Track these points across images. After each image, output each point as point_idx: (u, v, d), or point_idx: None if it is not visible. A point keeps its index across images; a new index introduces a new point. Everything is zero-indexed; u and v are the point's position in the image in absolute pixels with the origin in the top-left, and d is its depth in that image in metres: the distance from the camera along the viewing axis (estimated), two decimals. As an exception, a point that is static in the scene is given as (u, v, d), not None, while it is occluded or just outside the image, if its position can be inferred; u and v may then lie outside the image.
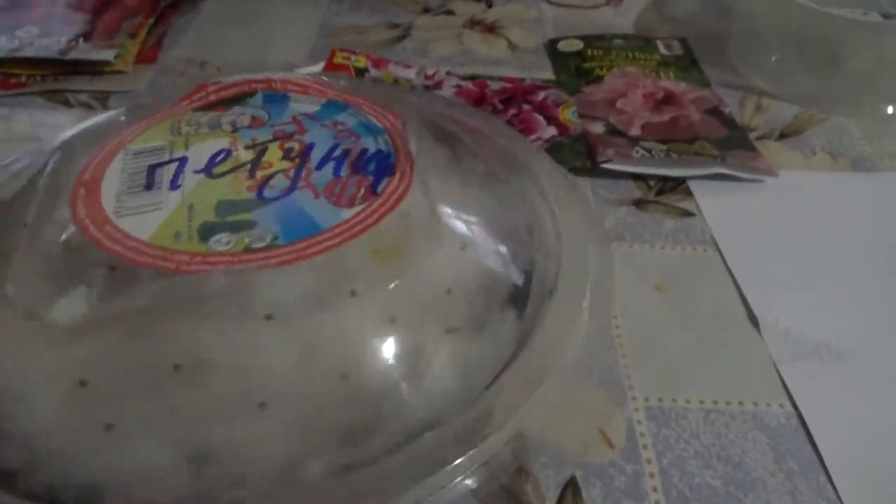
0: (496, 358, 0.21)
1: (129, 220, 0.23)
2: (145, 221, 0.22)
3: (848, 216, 0.35)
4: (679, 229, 0.34)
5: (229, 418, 0.19)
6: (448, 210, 0.23)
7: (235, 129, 0.27)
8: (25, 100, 0.42)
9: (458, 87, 0.42)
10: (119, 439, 0.18)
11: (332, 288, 0.20)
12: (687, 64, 0.46)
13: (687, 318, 0.29)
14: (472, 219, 0.24)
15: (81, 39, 0.45)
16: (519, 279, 0.23)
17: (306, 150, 0.25)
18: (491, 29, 0.50)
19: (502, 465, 0.22)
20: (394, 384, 0.20)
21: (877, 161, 0.38)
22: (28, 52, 0.43)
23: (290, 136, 0.26)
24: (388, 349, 0.20)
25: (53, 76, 0.43)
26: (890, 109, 0.42)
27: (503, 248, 0.23)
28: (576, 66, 0.45)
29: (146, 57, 0.46)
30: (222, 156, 0.25)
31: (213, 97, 0.29)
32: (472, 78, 0.43)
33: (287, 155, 0.25)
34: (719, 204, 0.35)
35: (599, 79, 0.44)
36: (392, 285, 0.21)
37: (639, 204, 0.35)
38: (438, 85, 0.42)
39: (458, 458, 0.18)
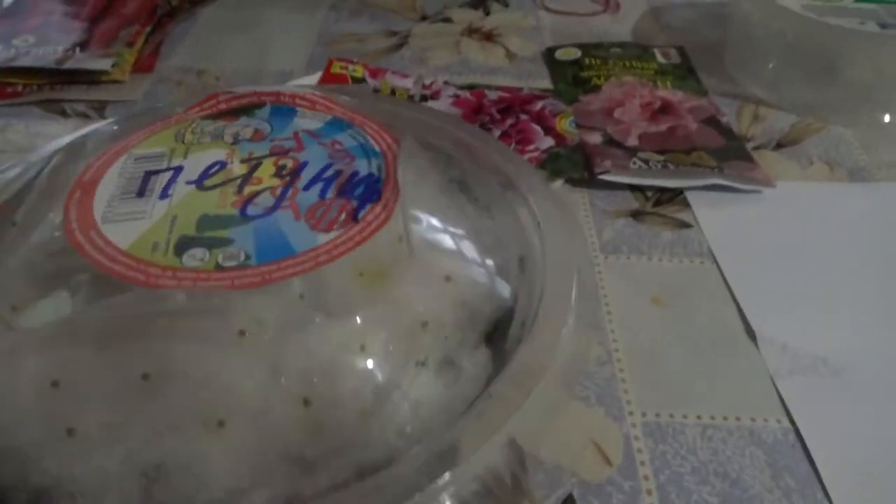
0: (464, 396, 0.20)
1: (113, 227, 0.23)
2: (128, 229, 0.23)
3: (845, 227, 0.35)
4: (676, 241, 0.34)
5: (187, 433, 0.18)
6: (431, 241, 0.23)
7: (236, 141, 0.27)
8: (21, 109, 0.42)
9: (456, 96, 0.42)
10: (78, 445, 0.18)
11: (302, 311, 0.20)
12: (684, 73, 0.46)
13: (684, 331, 0.29)
14: (459, 251, 0.23)
15: (78, 49, 0.45)
16: (499, 316, 0.23)
17: (298, 169, 0.25)
18: (489, 37, 0.50)
19: (498, 483, 0.22)
20: (355, 415, 0.19)
21: (874, 171, 0.38)
22: (24, 62, 0.43)
23: (286, 153, 0.26)
24: (354, 378, 0.20)
25: (50, 85, 0.43)
26: (887, 118, 0.42)
27: (488, 283, 0.23)
28: (573, 75, 0.45)
29: (143, 66, 0.46)
30: (216, 168, 0.25)
31: (222, 106, 0.29)
32: (470, 87, 0.43)
33: (279, 172, 0.25)
34: (717, 215, 0.35)
35: (597, 88, 0.44)
36: (365, 313, 0.21)
37: (636, 215, 0.35)
38: (436, 94, 0.42)
39: (409, 499, 0.18)
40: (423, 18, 0.53)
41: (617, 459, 0.25)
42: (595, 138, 0.39)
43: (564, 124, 0.40)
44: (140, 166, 0.26)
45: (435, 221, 0.24)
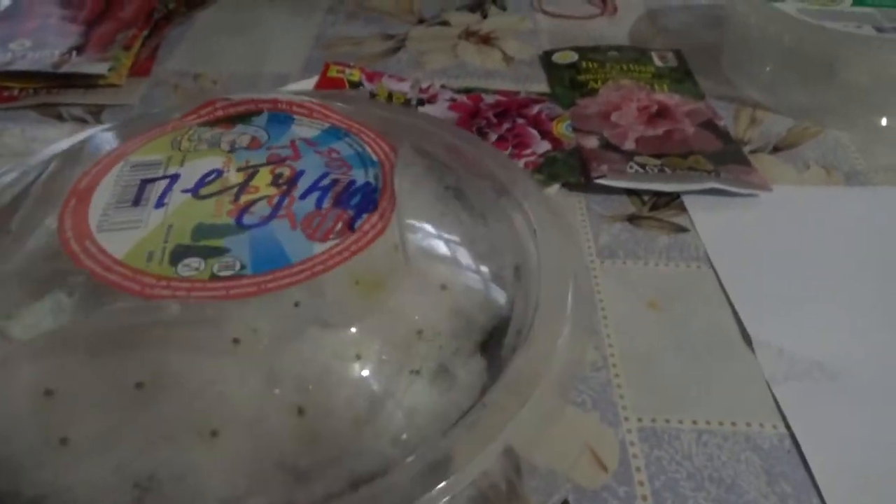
0: (459, 405, 0.20)
1: (109, 236, 0.23)
2: (124, 239, 0.22)
3: (842, 231, 0.35)
4: (673, 245, 0.34)
5: (181, 442, 0.18)
6: (427, 250, 0.23)
7: (233, 149, 0.27)
8: (18, 114, 0.42)
9: (453, 100, 0.42)
10: (71, 454, 0.18)
11: (297, 320, 0.20)
12: (681, 76, 0.46)
13: (680, 336, 0.29)
14: (455, 259, 0.23)
15: (75, 52, 0.45)
16: (495, 324, 0.23)
17: (295, 178, 0.25)
18: (486, 40, 0.50)
19: (493, 489, 0.22)
20: (350, 424, 0.19)
21: (870, 175, 0.38)
22: (21, 66, 0.43)
23: (282, 161, 0.26)
24: (348, 387, 0.20)
25: (46, 89, 0.43)
26: (884, 122, 0.42)
27: (483, 292, 0.23)
28: (570, 79, 0.45)
29: (140, 69, 0.46)
30: (213, 176, 0.25)
31: (219, 113, 0.29)
32: (467, 91, 0.43)
33: (275, 181, 0.25)
34: (713, 219, 0.35)
35: (594, 91, 0.44)
36: (360, 322, 0.21)
37: (633, 220, 0.35)
38: (433, 98, 0.42)
39: None
40: (420, 22, 0.53)
41: (612, 465, 0.25)
42: (592, 142, 0.39)
43: (561, 128, 0.40)
44: (136, 174, 0.26)
45: (431, 230, 0.24)
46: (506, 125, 0.40)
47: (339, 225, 0.23)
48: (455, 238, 0.24)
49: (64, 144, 0.28)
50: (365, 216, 0.23)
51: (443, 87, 0.44)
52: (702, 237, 0.34)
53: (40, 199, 0.24)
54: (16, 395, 0.19)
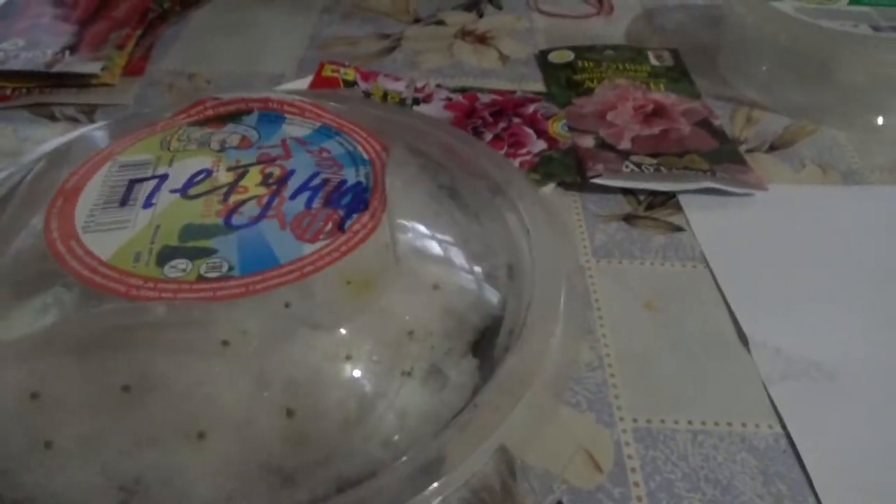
0: (450, 406, 0.20)
1: (94, 237, 0.22)
2: (109, 239, 0.22)
3: (838, 231, 0.34)
4: (669, 245, 0.34)
5: (167, 445, 0.18)
6: (419, 249, 0.23)
7: (223, 149, 0.27)
8: (10, 113, 0.41)
9: (448, 99, 0.42)
10: (55, 458, 0.18)
11: (287, 321, 0.20)
12: (677, 75, 0.46)
13: (676, 336, 0.29)
14: (447, 259, 0.23)
15: (68, 52, 0.44)
16: (487, 324, 0.22)
17: (285, 177, 0.25)
18: (482, 39, 0.50)
19: (487, 490, 0.22)
20: (340, 426, 0.19)
21: (867, 174, 0.38)
22: (13, 65, 0.43)
23: (273, 161, 0.26)
24: (339, 388, 0.20)
25: (39, 89, 0.43)
26: (880, 121, 0.41)
27: (476, 292, 0.23)
28: (566, 78, 0.45)
29: (134, 69, 0.46)
30: (202, 176, 0.25)
31: (209, 112, 0.29)
32: (463, 90, 0.43)
33: (265, 180, 0.25)
34: (709, 218, 0.35)
35: (590, 91, 0.44)
36: (351, 323, 0.20)
37: (628, 219, 0.35)
38: (428, 98, 0.42)
39: None
40: (416, 21, 0.53)
41: (607, 466, 0.24)
42: (588, 142, 0.39)
43: (557, 127, 0.40)
44: (124, 174, 0.25)
45: (423, 229, 0.24)
46: (501, 124, 0.40)
47: (329, 225, 0.23)
48: (448, 238, 0.24)
49: (51, 145, 0.28)
50: (355, 216, 0.23)
51: (438, 86, 0.43)
52: (698, 237, 0.34)
53: (26, 199, 0.24)
54: (0, 397, 0.19)
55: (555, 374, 0.20)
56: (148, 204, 0.24)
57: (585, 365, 0.28)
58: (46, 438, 0.18)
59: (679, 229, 0.34)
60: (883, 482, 0.24)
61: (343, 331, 0.20)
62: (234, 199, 0.24)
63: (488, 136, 0.39)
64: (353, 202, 0.24)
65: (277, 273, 0.21)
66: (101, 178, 0.25)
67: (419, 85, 0.43)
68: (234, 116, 0.29)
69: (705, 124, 0.41)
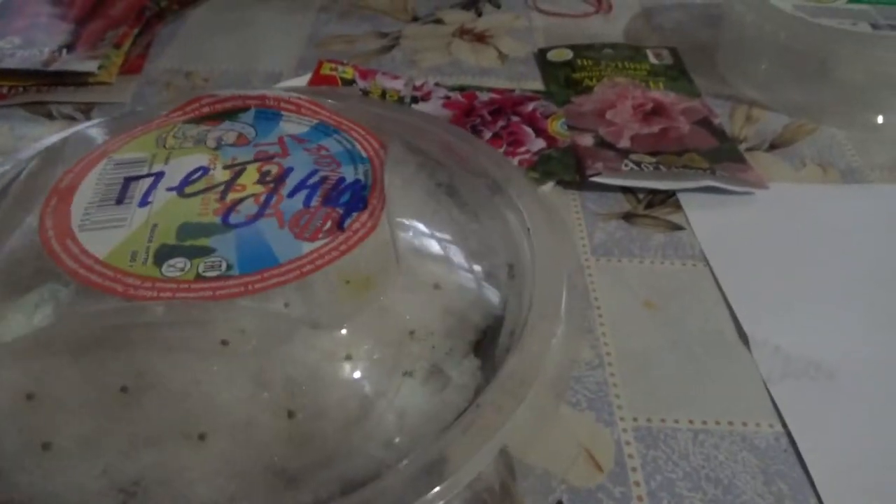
0: (452, 406, 0.20)
1: (91, 236, 0.22)
2: (106, 238, 0.22)
3: (838, 229, 0.34)
4: (668, 243, 0.34)
5: (167, 446, 0.18)
6: (419, 248, 0.23)
7: (219, 146, 0.27)
8: (7, 112, 0.41)
9: (447, 98, 0.42)
10: (54, 460, 0.18)
11: (286, 321, 0.20)
12: (677, 74, 0.46)
13: (676, 335, 0.29)
14: (447, 258, 0.23)
15: (65, 50, 0.44)
16: (488, 323, 0.22)
17: (283, 175, 0.25)
18: (480, 38, 0.50)
19: (487, 491, 0.22)
20: (341, 427, 0.19)
21: (866, 172, 0.38)
22: (10, 64, 0.43)
23: (270, 159, 0.26)
24: (339, 389, 0.19)
25: (36, 87, 0.43)
26: (880, 120, 0.41)
27: (476, 291, 0.23)
28: (565, 77, 0.45)
29: (131, 67, 0.45)
30: (198, 174, 0.25)
31: (205, 109, 0.29)
32: (461, 89, 0.43)
33: (263, 178, 0.24)
34: (709, 217, 0.35)
35: (589, 89, 0.43)
36: (351, 322, 0.20)
37: (628, 218, 0.35)
38: (427, 96, 0.42)
39: None
40: (415, 20, 0.53)
41: (608, 465, 0.24)
42: (587, 140, 0.39)
43: (556, 126, 0.40)
44: (119, 172, 0.25)
45: (422, 228, 0.23)
46: (500, 123, 0.40)
47: (328, 224, 0.23)
48: (447, 236, 0.24)
49: (45, 143, 0.28)
50: (354, 214, 0.23)
51: (437, 84, 0.43)
52: (697, 235, 0.34)
53: (20, 197, 0.24)
54: (2, 397, 0.19)
55: (556, 375, 0.20)
56: (144, 202, 0.24)
57: (585, 364, 0.28)
58: (44, 440, 0.18)
59: (679, 228, 0.34)
60: (884, 481, 0.24)
61: (343, 331, 0.20)
62: (231, 197, 0.24)
63: (487, 135, 0.39)
64: (351, 200, 0.24)
65: (277, 272, 0.21)
66: (95, 176, 0.25)
67: (418, 83, 0.43)
68: (231, 114, 0.29)
69: (705, 123, 0.41)
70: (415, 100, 0.42)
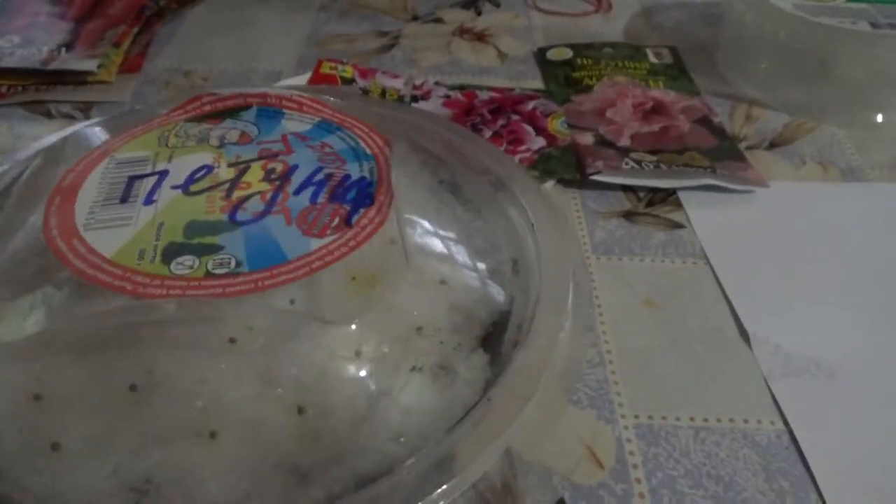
0: (461, 402, 0.20)
1: (96, 234, 0.22)
2: (112, 237, 0.22)
3: (838, 227, 0.34)
4: (669, 242, 0.34)
5: (178, 445, 0.18)
6: (425, 245, 0.23)
7: (222, 144, 0.27)
8: (6, 111, 0.41)
9: (447, 97, 0.42)
10: (63, 461, 0.18)
11: (294, 318, 0.20)
12: (676, 73, 0.46)
13: (677, 333, 0.29)
14: (453, 255, 0.23)
15: (64, 49, 0.44)
16: (495, 319, 0.22)
17: (288, 173, 0.25)
18: (480, 37, 0.50)
19: (490, 488, 0.22)
20: (351, 423, 0.19)
21: (867, 171, 0.38)
22: (9, 63, 0.43)
23: (274, 156, 0.26)
24: (348, 385, 0.19)
25: (35, 86, 0.42)
26: (880, 118, 0.41)
27: (482, 287, 0.23)
28: (565, 76, 0.45)
29: (130, 66, 0.45)
30: (203, 172, 0.25)
31: (207, 108, 0.29)
32: (461, 88, 0.43)
33: (268, 176, 0.24)
34: (709, 215, 0.35)
35: (589, 88, 0.43)
36: (359, 319, 0.20)
37: (628, 216, 0.35)
38: (427, 95, 0.42)
39: None
40: (414, 19, 0.53)
41: (609, 462, 0.24)
42: (587, 139, 0.39)
43: (556, 125, 0.40)
44: (122, 171, 0.25)
45: (428, 225, 0.23)
46: (500, 122, 0.40)
47: (336, 220, 0.23)
48: (452, 233, 0.24)
49: (46, 142, 0.28)
50: (362, 211, 0.23)
51: (437, 83, 0.43)
52: (698, 233, 0.34)
53: (22, 197, 0.24)
54: (3, 399, 0.19)
55: (564, 370, 0.20)
56: (149, 200, 0.23)
57: (586, 362, 0.28)
58: (54, 440, 0.18)
59: (679, 226, 0.34)
60: (885, 478, 0.24)
61: (352, 327, 0.20)
62: (237, 195, 0.24)
63: (487, 134, 0.39)
64: (358, 197, 0.24)
65: (286, 269, 0.21)
66: (98, 176, 0.25)
67: (417, 82, 0.43)
68: (232, 112, 0.29)
69: (705, 121, 0.41)
70: (415, 99, 0.42)
